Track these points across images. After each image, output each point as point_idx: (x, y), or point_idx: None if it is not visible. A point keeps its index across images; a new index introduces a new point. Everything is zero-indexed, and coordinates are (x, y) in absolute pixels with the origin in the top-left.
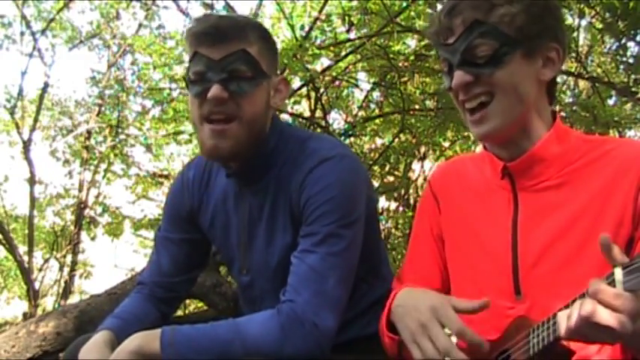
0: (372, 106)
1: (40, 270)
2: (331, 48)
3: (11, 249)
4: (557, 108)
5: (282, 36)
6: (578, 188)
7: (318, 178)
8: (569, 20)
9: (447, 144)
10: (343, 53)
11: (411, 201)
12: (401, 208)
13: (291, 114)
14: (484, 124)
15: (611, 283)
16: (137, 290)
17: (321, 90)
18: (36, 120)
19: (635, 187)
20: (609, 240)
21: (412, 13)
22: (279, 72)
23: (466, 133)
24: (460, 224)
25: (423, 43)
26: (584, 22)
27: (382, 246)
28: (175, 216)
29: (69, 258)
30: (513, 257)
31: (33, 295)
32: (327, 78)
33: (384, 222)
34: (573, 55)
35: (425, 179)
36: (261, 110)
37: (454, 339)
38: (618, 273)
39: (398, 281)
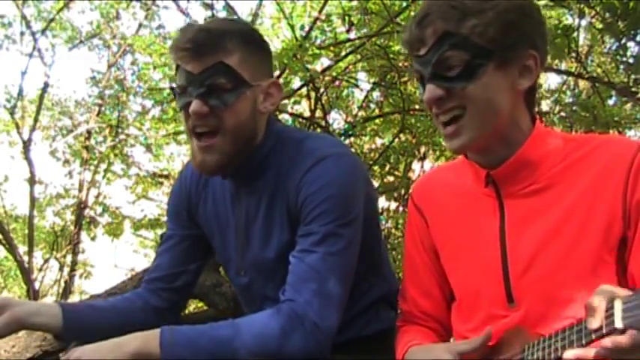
0: (372, 106)
1: (40, 270)
2: (331, 48)
3: (11, 249)
4: (557, 108)
5: (282, 36)
6: (564, 190)
7: (316, 176)
8: (569, 20)
9: None
10: (343, 53)
11: None
12: (401, 208)
13: (291, 114)
14: (457, 138)
15: (610, 317)
16: (139, 286)
17: (321, 90)
18: (36, 120)
19: (623, 185)
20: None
21: (412, 13)
22: (277, 72)
23: None
24: (448, 234)
25: None
26: (584, 22)
27: (382, 244)
28: (175, 214)
29: (69, 258)
30: (503, 265)
31: (33, 295)
32: (327, 78)
33: (384, 222)
34: (573, 55)
35: None
36: (246, 119)
37: None
38: (618, 308)
39: (402, 299)
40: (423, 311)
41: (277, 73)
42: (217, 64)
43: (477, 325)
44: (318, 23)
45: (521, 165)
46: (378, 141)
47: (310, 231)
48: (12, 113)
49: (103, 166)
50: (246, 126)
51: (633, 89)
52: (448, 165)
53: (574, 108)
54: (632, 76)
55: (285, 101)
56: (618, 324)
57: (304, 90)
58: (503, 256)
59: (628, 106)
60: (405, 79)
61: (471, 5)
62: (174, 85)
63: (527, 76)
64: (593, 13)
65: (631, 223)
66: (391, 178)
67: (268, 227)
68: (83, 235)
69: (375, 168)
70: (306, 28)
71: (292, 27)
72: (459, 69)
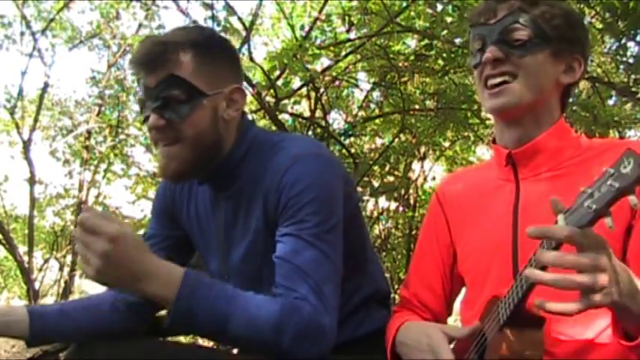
0: (372, 106)
1: (40, 270)
2: (331, 48)
3: (11, 249)
4: None
5: (282, 36)
6: (578, 179)
7: (296, 178)
8: None
9: (447, 144)
10: (343, 53)
11: (411, 201)
12: (401, 208)
13: (291, 114)
14: (501, 97)
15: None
16: None
17: (321, 90)
18: (36, 120)
19: None
20: (555, 201)
21: (412, 13)
22: (278, 72)
23: (466, 133)
24: (466, 226)
25: (423, 42)
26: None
27: (368, 243)
28: (159, 213)
29: (69, 258)
30: (513, 245)
31: (33, 295)
32: (327, 78)
33: (383, 222)
34: None
35: (425, 179)
36: (205, 128)
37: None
38: (561, 218)
39: (404, 287)
40: (422, 302)
41: (277, 73)
42: (169, 77)
43: (482, 306)
44: (318, 23)
45: (540, 150)
46: (378, 141)
47: (297, 232)
48: (12, 113)
49: (103, 166)
50: (206, 135)
51: (633, 89)
52: (475, 166)
53: (574, 108)
54: (632, 76)
55: (285, 101)
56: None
57: (304, 90)
58: (514, 236)
59: (628, 106)
60: (405, 79)
61: None
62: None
63: (570, 74)
64: (593, 13)
65: (637, 214)
66: (391, 178)
67: (247, 231)
68: None
69: (375, 168)
70: (306, 28)
71: (292, 27)
72: (521, 41)
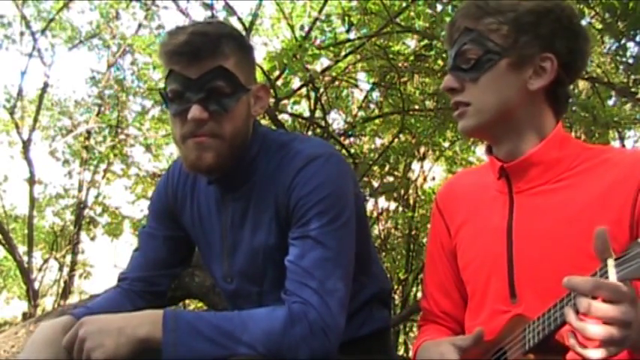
0: (372, 106)
1: (40, 270)
2: (331, 48)
3: (11, 249)
4: None
5: (282, 36)
6: (576, 193)
7: (309, 178)
8: None
9: (446, 144)
10: (343, 53)
11: (411, 201)
12: (401, 208)
13: (291, 114)
14: (461, 120)
15: (604, 274)
16: (117, 285)
17: (321, 90)
18: (35, 120)
19: (634, 193)
20: (606, 233)
21: (412, 13)
22: (277, 72)
23: None
24: (465, 234)
25: (423, 43)
26: (584, 23)
27: (371, 244)
28: (159, 212)
29: (68, 258)
30: (508, 261)
31: (32, 295)
32: (326, 78)
33: (383, 222)
34: None
35: (425, 179)
36: (242, 124)
37: None
38: (611, 265)
39: (424, 299)
40: (442, 310)
41: (277, 73)
42: (217, 68)
43: (482, 321)
44: (318, 23)
45: (535, 163)
46: (378, 141)
47: (306, 233)
48: (12, 113)
49: (103, 166)
50: (241, 130)
51: (633, 89)
52: (472, 169)
53: (574, 108)
54: (632, 77)
55: (285, 101)
56: (612, 278)
57: (304, 90)
58: (509, 251)
59: (628, 106)
60: (405, 79)
61: (494, 5)
62: (163, 88)
63: (542, 76)
64: (593, 13)
65: (637, 231)
66: (391, 179)
67: (256, 232)
68: (83, 235)
69: (375, 168)
70: (306, 28)
71: (292, 27)
72: (472, 62)
